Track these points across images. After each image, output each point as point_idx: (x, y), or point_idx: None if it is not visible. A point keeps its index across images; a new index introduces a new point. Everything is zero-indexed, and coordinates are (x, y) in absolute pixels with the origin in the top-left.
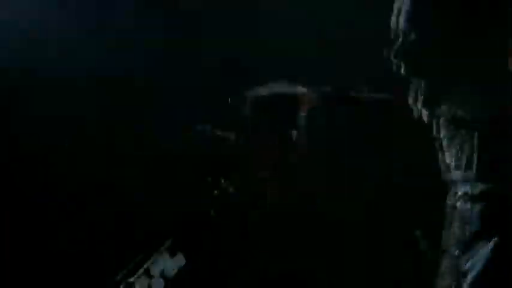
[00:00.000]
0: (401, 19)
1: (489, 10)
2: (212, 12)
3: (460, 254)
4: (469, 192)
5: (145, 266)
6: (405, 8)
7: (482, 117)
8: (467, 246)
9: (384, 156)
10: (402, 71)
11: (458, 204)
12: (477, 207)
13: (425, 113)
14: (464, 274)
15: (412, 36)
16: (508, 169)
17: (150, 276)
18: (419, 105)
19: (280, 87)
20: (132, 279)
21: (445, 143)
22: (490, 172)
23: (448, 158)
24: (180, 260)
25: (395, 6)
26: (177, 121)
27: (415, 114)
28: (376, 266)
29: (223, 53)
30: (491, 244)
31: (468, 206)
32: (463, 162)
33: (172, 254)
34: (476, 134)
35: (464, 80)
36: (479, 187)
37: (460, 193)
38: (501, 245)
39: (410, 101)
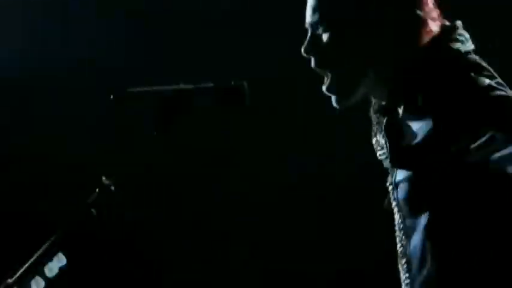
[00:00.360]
0: (307, 14)
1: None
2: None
3: (401, 239)
4: (392, 180)
5: (26, 266)
6: (309, 2)
7: (388, 105)
8: (406, 233)
9: None
10: (312, 64)
11: (388, 192)
12: (401, 194)
13: (335, 102)
14: (409, 260)
15: (319, 30)
16: (416, 154)
17: (32, 276)
18: (326, 93)
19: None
20: (11, 280)
21: (373, 130)
22: (401, 159)
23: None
24: (61, 259)
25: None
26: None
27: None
28: None
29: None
30: (421, 232)
31: (395, 194)
32: (383, 149)
33: (54, 253)
34: (384, 121)
35: (367, 72)
36: (398, 174)
37: (387, 182)
38: (431, 232)
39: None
